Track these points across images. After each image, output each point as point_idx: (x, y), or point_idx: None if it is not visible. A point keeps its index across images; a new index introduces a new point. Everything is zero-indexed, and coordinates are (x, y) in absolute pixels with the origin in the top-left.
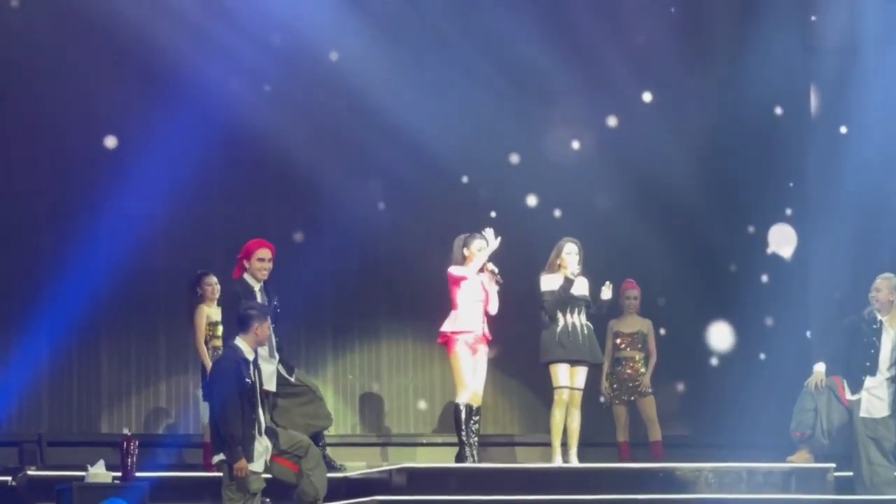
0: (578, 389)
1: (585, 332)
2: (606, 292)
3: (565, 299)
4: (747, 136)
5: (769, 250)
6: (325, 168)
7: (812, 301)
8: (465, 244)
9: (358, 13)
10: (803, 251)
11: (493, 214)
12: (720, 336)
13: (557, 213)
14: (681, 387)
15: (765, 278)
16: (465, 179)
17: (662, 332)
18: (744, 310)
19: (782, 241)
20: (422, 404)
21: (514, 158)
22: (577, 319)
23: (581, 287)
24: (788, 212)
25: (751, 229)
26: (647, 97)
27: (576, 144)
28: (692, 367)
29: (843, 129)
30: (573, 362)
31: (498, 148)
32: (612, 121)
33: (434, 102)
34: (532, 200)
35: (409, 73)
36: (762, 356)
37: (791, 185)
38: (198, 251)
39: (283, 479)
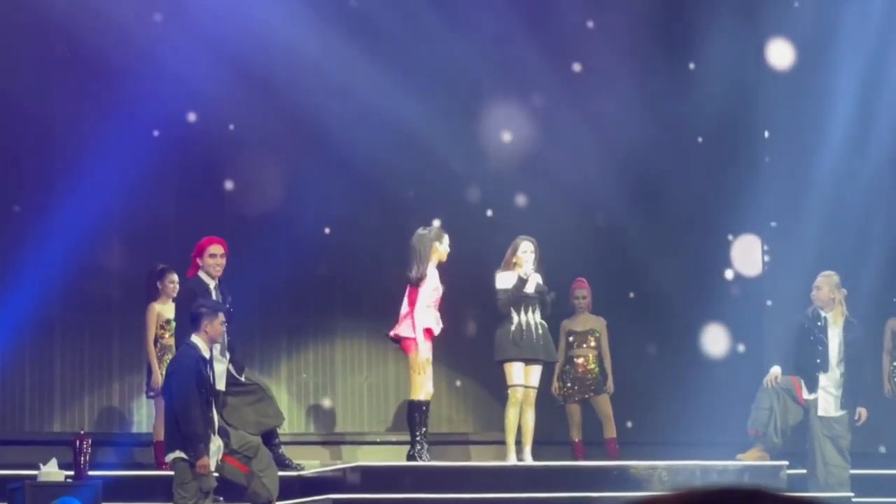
0: (533, 388)
1: (540, 330)
2: (530, 286)
3: (519, 298)
4: (704, 133)
5: (729, 274)
6: (280, 166)
7: (766, 298)
8: (437, 238)
9: (320, 7)
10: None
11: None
12: (714, 340)
13: (513, 212)
14: (634, 385)
15: (728, 276)
16: (414, 192)
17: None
18: (700, 307)
19: (747, 258)
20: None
21: (471, 156)
22: (532, 318)
23: (535, 285)
24: (729, 237)
25: (718, 232)
26: (576, 68)
27: (535, 143)
28: (646, 365)
29: (766, 134)
30: (527, 361)
31: (454, 145)
32: (570, 116)
33: (394, 99)
34: (488, 199)
35: (372, 67)
36: (741, 348)
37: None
38: (151, 250)
39: (231, 479)
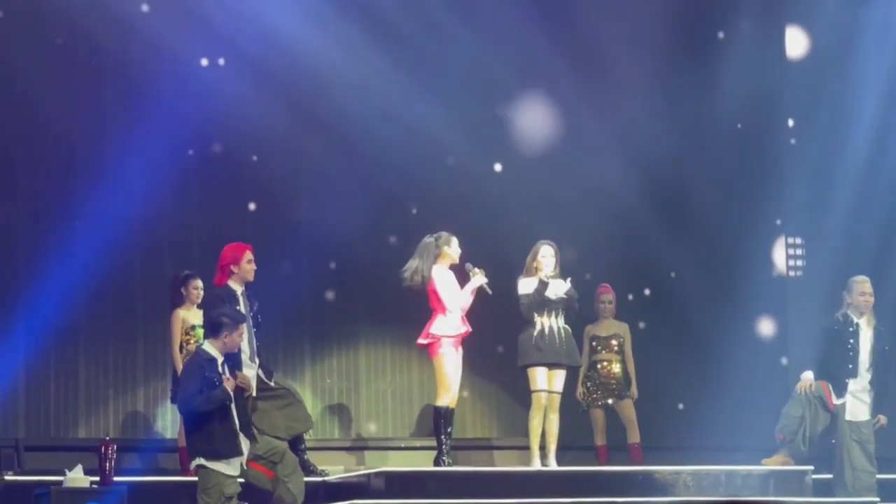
0: (556, 393)
1: (563, 334)
2: (552, 290)
3: (541, 302)
4: (726, 134)
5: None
6: (304, 172)
7: (791, 301)
8: (446, 242)
9: (338, 18)
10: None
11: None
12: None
13: (536, 214)
14: (658, 389)
15: (753, 280)
16: (437, 198)
17: (641, 325)
18: (725, 312)
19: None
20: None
21: (493, 162)
22: (555, 322)
23: (558, 289)
24: (778, 222)
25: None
26: (599, 66)
27: (557, 146)
28: (670, 370)
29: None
30: (550, 365)
31: (475, 150)
32: (595, 120)
33: (411, 108)
34: (510, 201)
35: (389, 77)
36: (784, 361)
37: (778, 221)
38: (175, 256)
39: (257, 484)
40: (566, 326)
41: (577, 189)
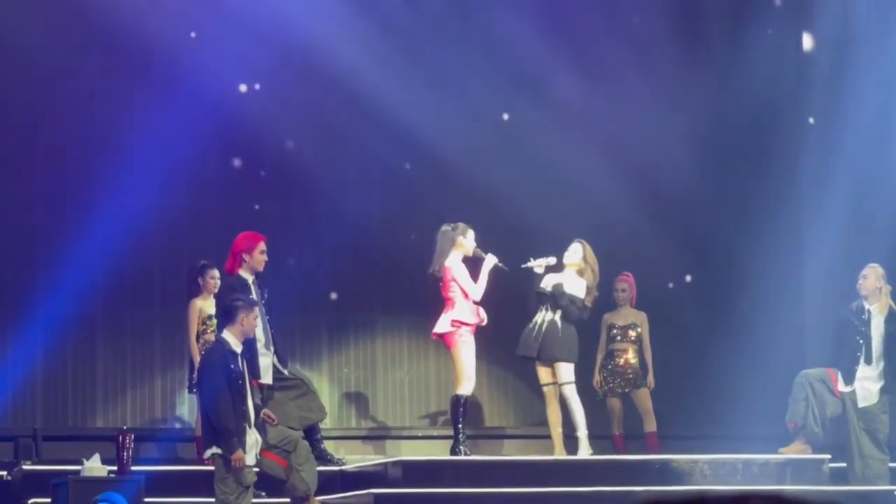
0: (566, 383)
1: (544, 328)
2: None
3: (538, 295)
4: (743, 126)
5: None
6: (320, 161)
7: (807, 291)
8: (462, 233)
9: (354, 9)
10: (798, 241)
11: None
12: None
13: (557, 204)
14: (675, 378)
15: (771, 269)
16: (454, 189)
17: (663, 315)
18: (739, 299)
19: None
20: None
21: (511, 151)
22: (545, 316)
23: (550, 282)
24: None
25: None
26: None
27: (571, 134)
28: (687, 358)
29: (811, 120)
30: (529, 359)
31: (494, 137)
32: (607, 110)
33: (428, 96)
34: (532, 195)
35: (405, 66)
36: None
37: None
38: (193, 246)
39: (271, 473)
40: (556, 319)
41: (601, 180)
